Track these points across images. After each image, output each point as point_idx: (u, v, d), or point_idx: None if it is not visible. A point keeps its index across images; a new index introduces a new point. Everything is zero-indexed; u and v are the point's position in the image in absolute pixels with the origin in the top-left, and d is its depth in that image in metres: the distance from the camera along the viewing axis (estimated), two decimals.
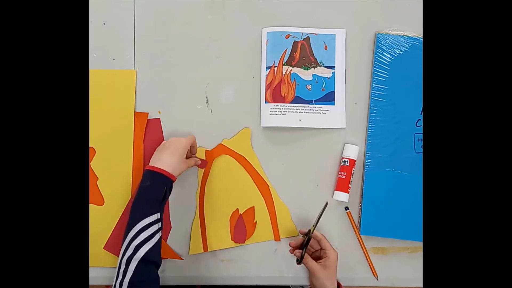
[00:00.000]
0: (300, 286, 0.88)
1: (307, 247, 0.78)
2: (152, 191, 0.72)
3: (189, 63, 0.87)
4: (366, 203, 0.85)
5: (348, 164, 0.84)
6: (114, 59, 0.87)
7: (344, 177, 0.84)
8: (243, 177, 0.86)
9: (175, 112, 0.87)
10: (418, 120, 0.85)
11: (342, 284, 0.80)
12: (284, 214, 0.86)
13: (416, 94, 0.85)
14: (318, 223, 0.79)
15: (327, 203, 0.81)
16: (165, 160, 0.75)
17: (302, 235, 0.80)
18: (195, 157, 0.83)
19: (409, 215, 0.84)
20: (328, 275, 0.76)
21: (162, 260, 0.84)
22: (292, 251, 0.80)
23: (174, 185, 0.85)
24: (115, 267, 0.83)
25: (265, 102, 0.86)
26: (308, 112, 0.85)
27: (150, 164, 0.75)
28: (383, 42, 0.86)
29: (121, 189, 0.84)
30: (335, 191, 0.84)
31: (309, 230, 0.79)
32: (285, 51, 0.86)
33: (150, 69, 0.87)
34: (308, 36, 0.87)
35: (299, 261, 0.77)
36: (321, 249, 0.80)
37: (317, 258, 0.79)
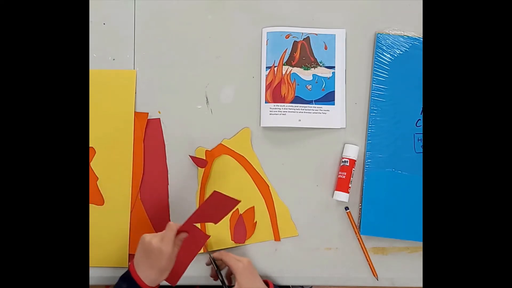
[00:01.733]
0: (300, 286, 0.88)
1: (222, 276, 0.74)
2: None
3: (189, 63, 0.87)
4: (366, 203, 0.85)
5: (348, 164, 0.84)
6: (114, 59, 0.87)
7: (344, 177, 0.83)
8: (243, 177, 0.86)
9: (175, 112, 0.87)
10: (418, 120, 0.85)
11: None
12: (284, 214, 0.86)
13: (416, 94, 0.85)
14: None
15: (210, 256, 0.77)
16: (145, 271, 0.70)
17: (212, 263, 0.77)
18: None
19: (409, 215, 0.84)
20: None
21: None
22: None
23: (175, 185, 0.85)
24: (116, 267, 0.84)
25: (265, 102, 0.86)
26: (308, 112, 0.85)
27: (133, 264, 0.71)
28: (383, 42, 0.86)
29: (121, 189, 0.84)
30: (335, 191, 0.84)
31: (211, 260, 0.75)
32: (285, 51, 0.86)
33: (150, 69, 0.87)
34: (308, 36, 0.87)
35: None
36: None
37: None
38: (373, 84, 0.86)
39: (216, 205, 0.76)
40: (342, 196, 0.83)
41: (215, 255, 0.76)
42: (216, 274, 0.78)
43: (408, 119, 0.85)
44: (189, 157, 0.85)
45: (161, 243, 0.70)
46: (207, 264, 0.80)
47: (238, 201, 0.75)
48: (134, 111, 0.86)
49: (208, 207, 0.76)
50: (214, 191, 0.74)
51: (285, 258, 0.85)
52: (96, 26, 0.87)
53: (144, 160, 0.85)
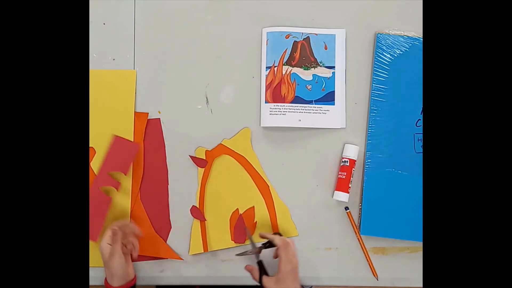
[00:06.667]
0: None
1: (263, 266, 0.77)
2: None
3: (189, 63, 0.87)
4: (366, 203, 0.85)
5: (348, 164, 0.84)
6: (114, 59, 0.87)
7: (344, 177, 0.84)
8: (243, 177, 0.86)
9: (175, 112, 0.87)
10: (418, 120, 0.85)
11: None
12: (284, 214, 0.86)
13: (416, 94, 0.85)
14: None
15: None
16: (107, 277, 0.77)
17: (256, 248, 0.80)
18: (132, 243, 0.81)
19: (409, 215, 0.84)
20: None
21: (162, 260, 0.84)
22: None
23: (175, 185, 0.85)
24: None
25: (265, 102, 0.86)
26: (308, 112, 0.85)
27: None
28: (383, 42, 0.86)
29: (121, 189, 0.84)
30: (335, 191, 0.84)
31: (249, 238, 0.79)
32: (285, 51, 0.86)
33: (150, 69, 0.87)
34: (308, 36, 0.87)
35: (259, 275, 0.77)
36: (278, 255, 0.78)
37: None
38: (373, 84, 0.86)
39: (119, 150, 0.83)
40: (342, 196, 0.83)
41: (261, 234, 0.81)
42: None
43: (408, 119, 0.85)
44: (189, 157, 0.85)
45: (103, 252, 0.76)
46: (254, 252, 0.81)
47: (137, 144, 0.83)
48: (134, 111, 0.86)
49: (112, 154, 0.83)
50: (115, 135, 0.83)
51: None
52: (96, 26, 0.87)
53: (144, 160, 0.85)
